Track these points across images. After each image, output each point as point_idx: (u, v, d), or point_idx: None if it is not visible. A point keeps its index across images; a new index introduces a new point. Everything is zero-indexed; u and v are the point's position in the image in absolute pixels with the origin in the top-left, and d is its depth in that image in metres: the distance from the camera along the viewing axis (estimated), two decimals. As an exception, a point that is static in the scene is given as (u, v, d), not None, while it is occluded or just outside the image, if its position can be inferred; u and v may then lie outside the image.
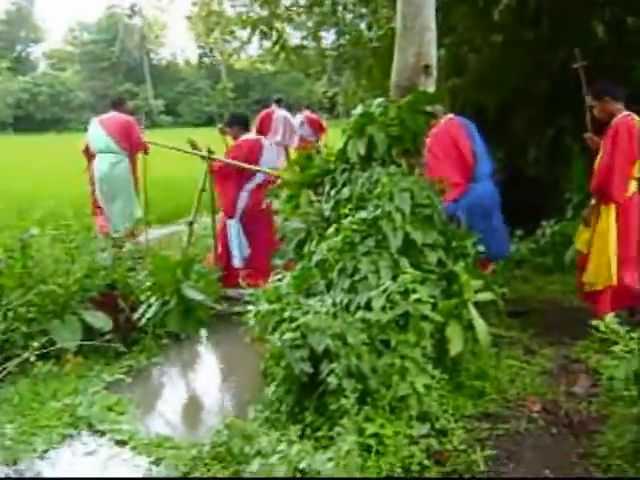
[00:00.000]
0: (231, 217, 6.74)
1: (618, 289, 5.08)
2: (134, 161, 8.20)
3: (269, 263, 5.14)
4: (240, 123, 7.07)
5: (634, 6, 6.39)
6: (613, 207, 5.07)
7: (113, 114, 8.30)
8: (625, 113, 5.06)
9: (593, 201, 5.24)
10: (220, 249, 6.83)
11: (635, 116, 5.07)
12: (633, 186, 5.09)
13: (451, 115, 5.70)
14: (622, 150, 4.96)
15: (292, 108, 12.76)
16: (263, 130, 11.15)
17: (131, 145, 8.08)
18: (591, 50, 6.41)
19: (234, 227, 6.71)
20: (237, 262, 6.68)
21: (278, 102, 12.00)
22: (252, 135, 7.13)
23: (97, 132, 8.08)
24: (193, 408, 4.73)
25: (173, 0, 49.78)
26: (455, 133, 5.55)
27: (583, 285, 5.32)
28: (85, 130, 8.43)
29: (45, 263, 5.38)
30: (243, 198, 6.73)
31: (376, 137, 4.54)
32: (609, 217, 5.07)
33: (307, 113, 12.71)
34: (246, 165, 6.52)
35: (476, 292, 4.16)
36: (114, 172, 7.95)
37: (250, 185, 6.72)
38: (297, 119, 12.31)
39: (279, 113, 11.69)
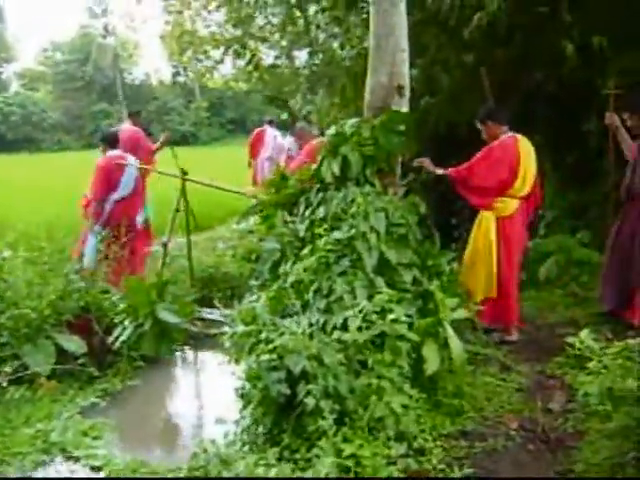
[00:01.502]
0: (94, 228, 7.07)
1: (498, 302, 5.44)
2: (142, 174, 8.24)
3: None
4: (107, 141, 7.42)
5: (601, 25, 6.50)
6: (493, 220, 5.37)
7: (125, 126, 9.17)
8: (509, 135, 5.44)
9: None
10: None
11: (519, 137, 5.43)
12: (514, 203, 5.42)
13: None
14: (486, 165, 5.36)
15: (282, 127, 13.07)
16: (256, 147, 12.18)
17: (139, 157, 8.21)
18: (562, 69, 6.55)
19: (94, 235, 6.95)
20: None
21: (270, 123, 12.74)
22: (117, 153, 7.37)
23: None
24: (169, 432, 4.67)
25: (146, 20, 49.64)
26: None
27: None
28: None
29: (17, 286, 5.30)
30: (106, 209, 7.10)
31: (350, 157, 4.56)
32: (489, 230, 5.37)
33: (298, 132, 12.96)
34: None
35: (452, 310, 4.18)
36: None
37: (114, 196, 7.12)
38: (289, 139, 12.64)
39: (270, 132, 12.38)
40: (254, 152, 12.35)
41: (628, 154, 5.72)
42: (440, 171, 5.46)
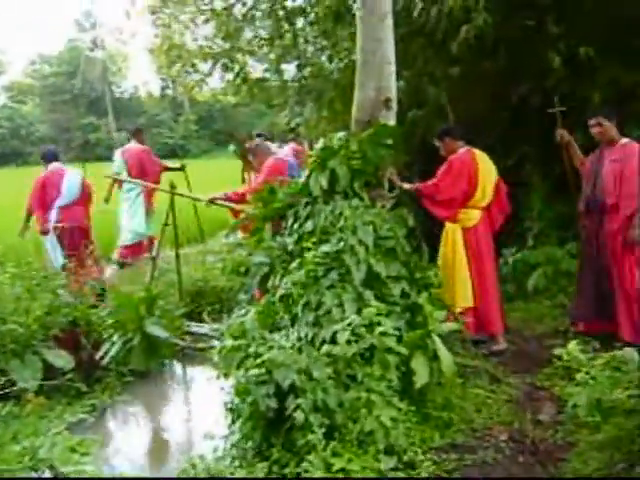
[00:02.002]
0: (45, 233, 8.03)
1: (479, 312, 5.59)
2: (148, 191, 9.22)
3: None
4: (45, 158, 8.37)
5: (587, 37, 6.56)
6: (459, 231, 5.58)
7: (131, 144, 9.71)
8: (466, 149, 5.70)
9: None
10: None
11: (476, 151, 5.71)
12: (477, 213, 5.65)
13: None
14: (450, 180, 5.56)
15: (274, 139, 13.13)
16: (249, 161, 11.71)
17: (145, 174, 9.17)
18: (549, 81, 6.60)
19: (49, 241, 7.95)
20: None
21: (259, 136, 12.87)
22: (56, 165, 8.26)
23: (117, 160, 9.53)
24: (158, 447, 4.66)
25: (135, 34, 49.66)
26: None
27: None
28: None
29: (5, 301, 5.28)
30: (53, 214, 7.95)
31: (338, 170, 4.58)
32: (456, 241, 5.57)
33: (293, 145, 13.00)
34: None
35: (440, 322, 4.19)
36: (125, 196, 9.37)
37: (58, 203, 7.96)
38: (285, 150, 12.75)
39: (262, 146, 12.11)
40: (249, 168, 12.38)
41: (581, 168, 5.81)
42: (407, 186, 5.57)
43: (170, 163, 10.72)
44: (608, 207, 5.43)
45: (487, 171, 5.70)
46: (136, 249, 9.36)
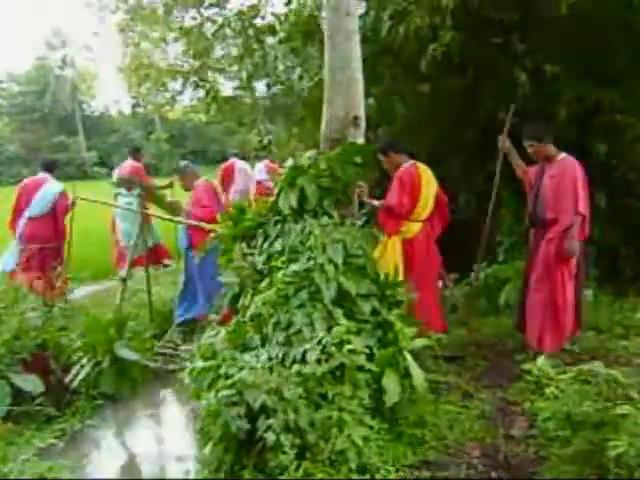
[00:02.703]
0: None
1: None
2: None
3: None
4: (41, 166, 8.58)
5: (553, 55, 6.67)
6: (399, 243, 5.67)
7: (128, 162, 10.45)
8: (410, 162, 5.85)
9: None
10: None
11: (420, 165, 5.85)
12: (417, 226, 5.80)
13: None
14: (405, 194, 5.68)
15: (249, 158, 13.10)
16: (227, 180, 12.27)
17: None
18: (515, 98, 6.68)
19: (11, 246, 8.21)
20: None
21: (235, 155, 13.01)
22: (39, 176, 8.42)
23: (115, 177, 10.08)
24: (130, 471, 4.59)
25: (104, 52, 49.53)
26: None
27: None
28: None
29: (-29, 326, 5.20)
30: (21, 224, 8.16)
31: (307, 189, 4.58)
32: (395, 252, 5.64)
33: (267, 162, 13.04)
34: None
35: (411, 339, 4.19)
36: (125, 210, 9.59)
37: (25, 214, 8.10)
38: (259, 166, 13.00)
39: (239, 165, 12.44)
40: (225, 187, 12.38)
41: (525, 178, 5.92)
42: (376, 203, 5.67)
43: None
44: (548, 222, 5.56)
45: (429, 184, 5.84)
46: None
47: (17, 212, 8.18)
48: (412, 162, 5.86)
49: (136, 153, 10.91)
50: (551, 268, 5.54)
